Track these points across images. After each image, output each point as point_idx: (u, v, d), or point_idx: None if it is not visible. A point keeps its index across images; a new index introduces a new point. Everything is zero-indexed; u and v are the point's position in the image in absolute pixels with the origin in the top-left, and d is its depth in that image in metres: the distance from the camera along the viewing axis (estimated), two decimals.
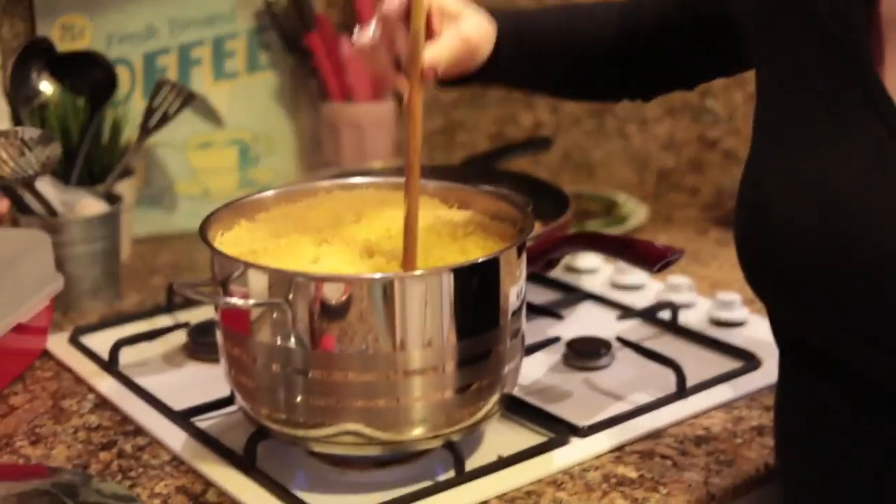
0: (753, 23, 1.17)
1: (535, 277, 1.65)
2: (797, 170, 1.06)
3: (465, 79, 1.29)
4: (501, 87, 1.42)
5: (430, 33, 1.18)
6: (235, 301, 1.13)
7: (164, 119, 1.81)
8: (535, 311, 1.55)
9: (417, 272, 1.14)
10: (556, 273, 1.71)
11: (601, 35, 1.37)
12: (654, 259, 1.39)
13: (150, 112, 1.82)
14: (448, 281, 1.13)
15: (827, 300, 1.04)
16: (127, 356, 1.48)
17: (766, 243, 1.08)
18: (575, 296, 1.67)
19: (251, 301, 1.12)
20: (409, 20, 1.15)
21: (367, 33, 1.20)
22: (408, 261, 1.17)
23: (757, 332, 1.56)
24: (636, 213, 2.01)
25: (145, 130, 1.82)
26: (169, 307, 1.64)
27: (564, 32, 1.36)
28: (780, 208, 1.06)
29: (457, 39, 1.20)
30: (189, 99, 1.83)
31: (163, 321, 1.60)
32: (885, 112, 1.01)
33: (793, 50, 1.10)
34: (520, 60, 1.32)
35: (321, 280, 1.11)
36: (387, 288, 1.11)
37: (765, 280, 1.12)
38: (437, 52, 1.17)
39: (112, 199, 1.72)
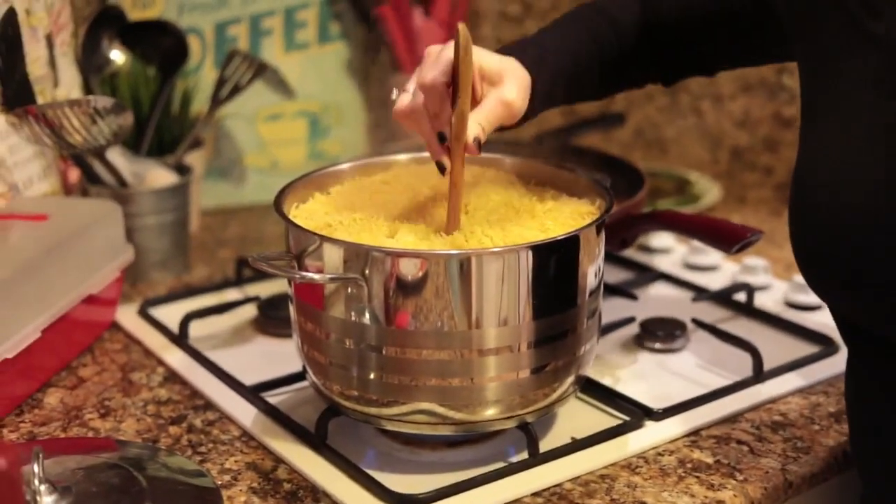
0: (790, 13, 1.17)
1: (609, 256, 1.62)
2: (841, 160, 1.06)
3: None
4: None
5: (473, 99, 1.15)
6: (312, 275, 1.11)
7: (236, 90, 1.80)
8: (609, 290, 1.53)
9: (495, 249, 1.12)
10: (629, 252, 1.69)
11: (624, 34, 1.35)
12: (732, 239, 1.37)
13: (221, 83, 1.80)
14: (526, 258, 1.11)
15: (885, 287, 1.02)
16: (196, 329, 1.47)
17: (821, 237, 1.07)
18: (648, 275, 1.65)
19: (327, 276, 1.11)
20: (452, 91, 1.13)
21: (405, 99, 1.17)
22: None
23: None
24: (709, 193, 1.98)
25: (216, 101, 1.80)
26: (238, 280, 1.63)
27: (591, 51, 1.33)
28: (828, 199, 1.06)
29: (499, 106, 1.17)
30: (261, 70, 1.81)
31: (232, 294, 1.59)
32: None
33: (827, 40, 1.10)
34: (554, 95, 1.29)
35: (398, 255, 1.09)
36: (464, 264, 1.09)
37: (823, 275, 1.10)
38: (481, 123, 1.14)
39: (182, 170, 1.71)
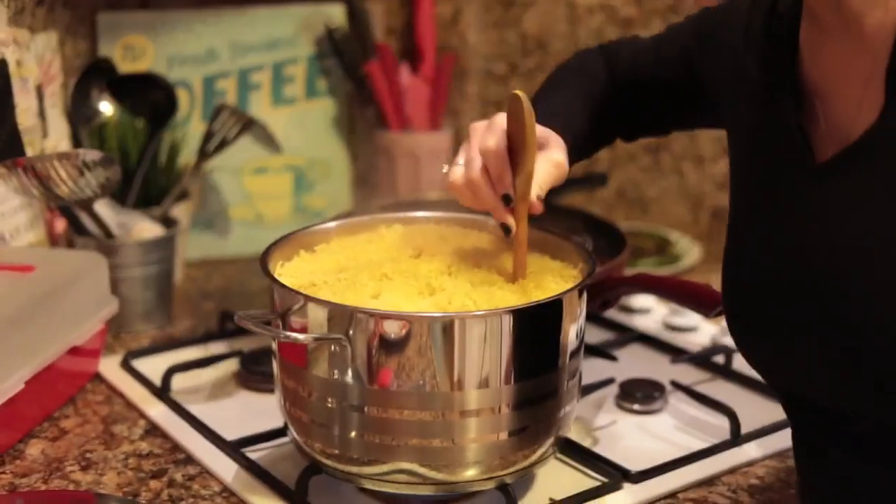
0: (716, 93, 1.26)
1: (589, 316, 1.63)
2: (765, 236, 1.12)
3: None
4: None
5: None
6: (296, 335, 1.12)
7: (223, 144, 1.82)
8: (589, 351, 1.54)
9: (478, 313, 1.13)
10: (609, 312, 1.70)
11: (601, 91, 1.41)
12: (711, 304, 1.38)
13: (208, 136, 1.82)
14: (508, 322, 1.12)
15: (815, 363, 1.07)
16: (178, 382, 1.48)
17: (748, 309, 1.14)
18: (628, 336, 1.67)
19: (311, 335, 1.12)
20: (513, 156, 1.17)
21: (459, 171, 1.20)
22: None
23: None
24: (689, 253, 1.99)
25: (203, 154, 1.82)
26: (221, 333, 1.64)
27: (589, 109, 1.39)
28: (751, 275, 1.13)
29: (552, 167, 1.21)
30: (248, 125, 1.83)
31: (215, 348, 1.60)
32: (808, 165, 1.07)
33: (745, 119, 1.18)
34: (580, 155, 1.36)
35: (382, 316, 1.10)
36: (447, 327, 1.10)
37: (754, 348, 1.16)
38: (540, 185, 1.18)
39: (168, 222, 1.72)
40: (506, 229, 1.19)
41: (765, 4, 1.17)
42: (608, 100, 1.40)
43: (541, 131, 1.21)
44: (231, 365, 1.54)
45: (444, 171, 1.24)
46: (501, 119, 1.19)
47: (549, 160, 1.21)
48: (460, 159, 1.21)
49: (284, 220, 2.02)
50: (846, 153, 1.03)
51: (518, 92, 1.14)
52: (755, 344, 1.16)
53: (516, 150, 1.17)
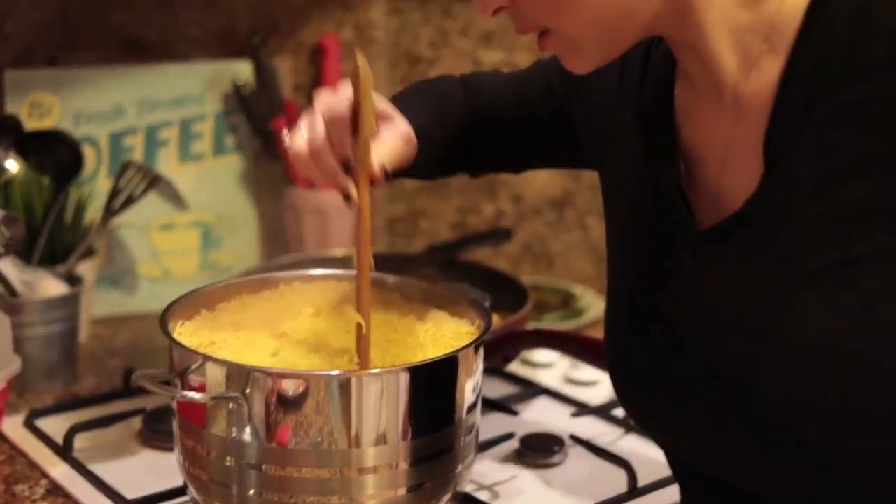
0: (588, 139, 1.27)
1: (492, 371, 1.65)
2: (643, 300, 1.13)
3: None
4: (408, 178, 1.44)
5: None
6: (193, 395, 1.13)
7: (129, 201, 1.82)
8: (490, 406, 1.56)
9: (374, 371, 1.15)
10: (513, 367, 1.72)
11: (451, 115, 1.39)
12: None
13: (114, 193, 1.83)
14: (404, 379, 1.14)
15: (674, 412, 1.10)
16: (82, 441, 1.48)
17: (628, 373, 1.17)
18: (530, 390, 1.68)
19: (208, 395, 1.13)
20: (353, 123, 1.15)
21: (302, 138, 1.19)
22: (363, 362, 1.18)
23: None
24: (593, 307, 2.02)
25: (109, 211, 1.82)
26: (125, 391, 1.63)
27: (448, 124, 1.37)
28: (629, 339, 1.16)
29: (399, 138, 1.21)
30: (154, 182, 1.84)
31: (119, 406, 1.60)
32: (686, 234, 1.08)
33: (616, 175, 1.20)
34: (431, 155, 1.32)
35: (279, 376, 1.12)
36: (343, 385, 1.12)
37: (636, 407, 1.19)
38: (384, 153, 1.17)
39: (73, 280, 1.72)
40: (346, 198, 1.17)
41: (637, 54, 1.17)
42: (462, 129, 1.38)
43: (385, 104, 1.22)
44: (134, 423, 1.54)
45: (286, 140, 1.21)
46: (347, 85, 1.16)
47: (395, 131, 1.21)
48: (303, 127, 1.19)
49: (192, 276, 2.03)
50: (728, 222, 1.04)
51: (358, 52, 1.13)
52: (636, 404, 1.18)
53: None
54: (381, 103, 1.22)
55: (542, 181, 2.15)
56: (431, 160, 1.33)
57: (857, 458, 0.98)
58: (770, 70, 1.01)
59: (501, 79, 1.42)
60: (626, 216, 1.18)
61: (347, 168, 1.17)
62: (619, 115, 1.19)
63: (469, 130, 1.39)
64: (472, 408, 1.22)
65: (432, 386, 1.17)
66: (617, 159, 1.20)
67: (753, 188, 1.02)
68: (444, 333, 1.25)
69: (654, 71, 1.15)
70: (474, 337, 1.22)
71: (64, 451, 1.46)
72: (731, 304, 1.03)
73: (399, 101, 1.30)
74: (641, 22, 1.03)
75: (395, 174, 1.24)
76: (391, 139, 1.20)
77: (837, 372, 0.96)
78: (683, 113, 1.11)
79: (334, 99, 1.17)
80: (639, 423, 1.20)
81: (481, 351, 1.23)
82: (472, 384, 1.21)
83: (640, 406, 1.17)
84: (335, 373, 1.13)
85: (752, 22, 1.01)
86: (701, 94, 1.08)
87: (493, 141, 1.41)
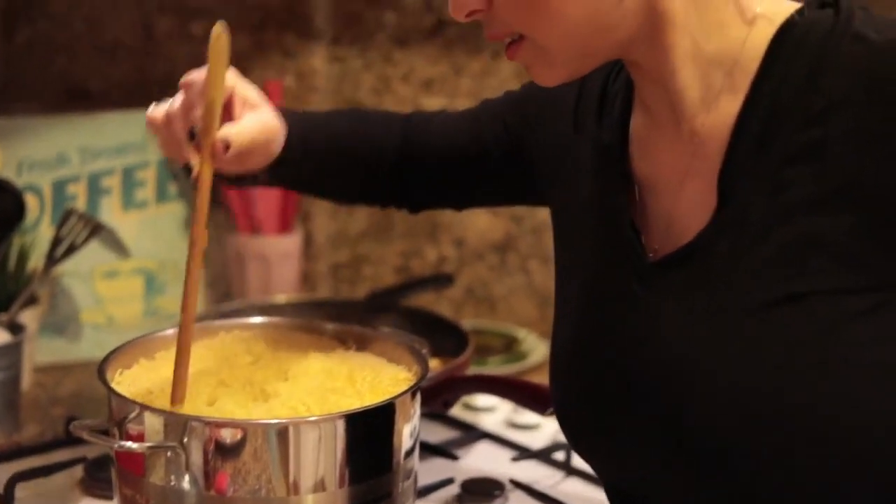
0: (540, 171, 1.29)
1: (434, 416, 1.67)
2: (592, 334, 1.15)
3: (253, 178, 1.31)
4: (287, 189, 1.45)
5: (229, 118, 1.20)
6: (130, 445, 1.14)
7: (71, 249, 1.83)
8: (431, 450, 1.57)
9: (312, 418, 1.16)
10: (455, 410, 1.73)
11: (383, 145, 1.41)
12: (545, 402, 1.42)
13: (57, 241, 1.83)
14: (342, 427, 1.15)
15: (612, 440, 1.12)
16: (23, 490, 1.47)
17: (574, 410, 1.19)
18: (472, 434, 1.69)
19: (146, 444, 1.14)
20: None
21: (162, 106, 1.21)
22: (176, 394, 1.18)
23: None
24: (536, 350, 2.04)
25: (52, 259, 1.83)
26: (68, 440, 1.63)
27: (347, 138, 1.40)
28: (575, 374, 1.18)
29: (257, 124, 1.21)
30: (96, 230, 1.84)
31: (61, 454, 1.59)
32: (636, 264, 1.10)
33: (569, 205, 1.22)
34: (305, 163, 1.33)
35: (216, 425, 1.13)
36: (281, 433, 1.13)
37: (581, 444, 1.21)
38: (233, 130, 1.17)
39: (15, 328, 1.72)
40: (187, 169, 1.18)
41: (596, 88, 1.20)
42: (390, 159, 1.41)
43: (257, 96, 1.24)
44: (76, 472, 1.53)
45: (149, 110, 1.22)
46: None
47: (255, 116, 1.22)
48: (167, 99, 1.21)
49: (136, 323, 2.03)
50: (678, 253, 1.06)
51: (218, 23, 1.15)
52: (582, 441, 1.20)
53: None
54: (251, 92, 1.23)
55: (483, 225, 2.17)
56: (309, 168, 1.34)
57: (785, 496, 1.00)
58: (729, 106, 1.03)
59: (448, 115, 1.45)
60: (577, 244, 1.20)
61: (190, 134, 1.18)
62: (573, 145, 1.22)
63: (404, 163, 1.41)
64: (409, 453, 1.23)
65: (370, 433, 1.18)
66: (570, 188, 1.21)
67: (706, 220, 1.04)
68: (381, 380, 1.26)
69: (611, 101, 1.17)
70: (412, 383, 1.23)
71: (5, 500, 1.46)
72: (673, 336, 1.05)
73: (301, 110, 1.35)
74: (616, 39, 1.04)
75: (264, 170, 1.28)
76: (248, 122, 1.20)
77: (765, 412, 0.98)
78: (639, 143, 1.13)
79: (197, 70, 1.19)
80: (580, 452, 1.22)
81: (418, 397, 1.24)
82: (409, 429, 1.22)
83: (580, 435, 1.19)
84: (273, 421, 1.14)
85: (718, 55, 1.04)
86: (659, 124, 1.10)
87: (433, 175, 1.42)
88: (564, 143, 1.23)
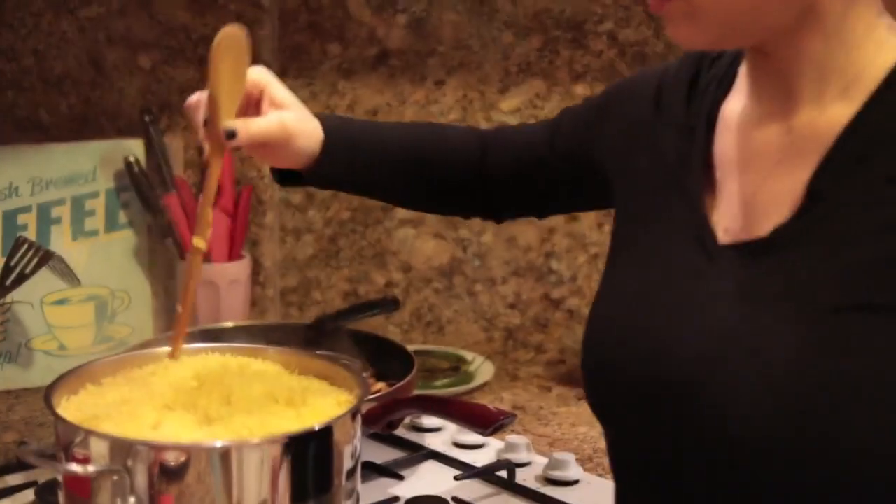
0: (612, 160, 1.32)
1: (380, 436, 1.70)
2: (628, 285, 1.19)
3: (298, 176, 1.42)
4: (337, 190, 1.53)
5: (257, 114, 1.34)
6: (74, 469, 1.16)
7: (22, 278, 1.86)
8: (376, 470, 1.61)
9: (254, 441, 1.18)
10: (401, 430, 1.77)
11: (461, 159, 1.49)
12: (487, 422, 1.46)
13: (7, 270, 1.86)
14: (284, 448, 1.18)
15: (648, 413, 1.13)
16: None
17: (604, 362, 1.19)
18: (418, 455, 1.73)
19: (91, 468, 1.16)
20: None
21: (197, 94, 1.32)
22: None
23: (590, 490, 1.62)
24: (482, 371, 2.08)
25: (2, 288, 1.85)
26: (19, 464, 1.65)
27: (418, 150, 1.48)
28: (615, 329, 1.18)
29: (274, 121, 1.33)
30: (46, 258, 1.87)
31: (13, 479, 1.62)
32: (706, 242, 1.12)
33: (641, 185, 1.24)
34: (350, 164, 1.43)
35: (159, 448, 1.15)
36: (224, 456, 1.15)
37: (597, 395, 1.22)
38: (241, 123, 1.30)
39: None
40: (199, 149, 1.31)
41: (685, 75, 1.23)
42: (468, 173, 1.48)
43: (288, 98, 1.36)
44: (27, 496, 1.56)
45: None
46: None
47: (278, 115, 1.33)
48: None
49: (87, 349, 2.06)
50: (752, 244, 1.09)
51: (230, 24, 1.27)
52: (612, 409, 1.21)
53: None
54: (282, 94, 1.35)
55: (430, 250, 2.21)
56: (365, 173, 1.45)
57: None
58: (838, 114, 1.07)
59: (527, 128, 1.51)
60: (644, 220, 1.22)
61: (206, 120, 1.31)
62: (652, 129, 1.25)
63: (484, 177, 1.49)
64: (351, 473, 1.26)
65: (311, 454, 1.20)
66: (642, 168, 1.25)
67: (786, 214, 1.07)
68: (323, 403, 1.29)
69: (704, 87, 1.21)
70: (352, 405, 1.26)
71: None
72: (733, 318, 1.07)
73: (364, 120, 1.52)
74: (764, 24, 1.07)
75: (309, 171, 1.39)
76: (264, 118, 1.33)
77: (814, 411, 1.00)
78: (730, 127, 1.17)
79: None
80: (606, 420, 1.23)
81: (359, 418, 1.27)
82: (350, 450, 1.25)
83: (612, 405, 1.20)
84: (216, 444, 1.17)
85: (845, 67, 1.07)
86: (763, 114, 1.13)
87: (513, 187, 1.49)
88: (641, 128, 1.27)
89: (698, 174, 1.17)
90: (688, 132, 1.20)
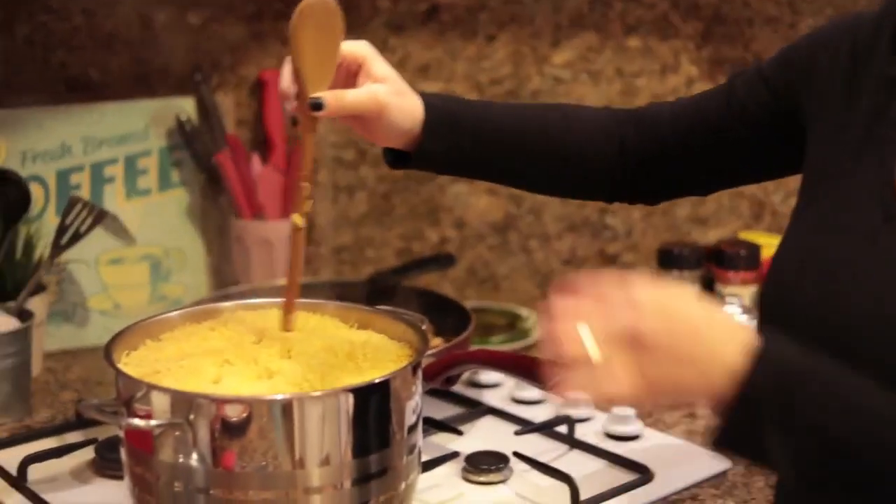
0: (809, 115, 1.27)
1: (438, 392, 1.69)
2: (806, 240, 1.17)
3: (406, 158, 1.39)
4: (455, 174, 1.52)
5: (352, 86, 1.32)
6: (137, 422, 1.16)
7: (76, 237, 1.85)
8: (436, 426, 1.60)
9: (315, 394, 1.18)
10: (459, 387, 1.76)
11: (593, 141, 1.44)
12: (546, 377, 1.44)
13: (62, 230, 1.86)
14: (345, 401, 1.18)
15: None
16: (36, 472, 1.50)
17: (776, 308, 1.17)
18: (476, 410, 1.72)
19: (153, 422, 1.16)
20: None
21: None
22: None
23: (651, 445, 1.61)
24: (538, 328, 2.06)
25: (57, 247, 1.85)
26: (79, 422, 1.66)
27: (529, 130, 1.43)
28: (786, 275, 1.17)
29: (364, 94, 1.31)
30: (100, 217, 1.87)
31: (73, 437, 1.62)
32: (886, 199, 1.11)
33: (834, 140, 1.21)
34: (456, 144, 1.38)
35: (221, 401, 1.15)
36: (285, 408, 1.15)
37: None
38: (329, 94, 1.28)
39: (24, 315, 1.75)
40: (293, 121, 1.32)
41: (887, 24, 1.19)
42: (613, 157, 1.43)
43: (387, 72, 1.33)
44: (87, 453, 1.56)
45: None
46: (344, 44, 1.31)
47: (369, 89, 1.31)
48: None
49: (143, 308, 2.05)
50: None
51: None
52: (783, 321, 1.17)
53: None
54: (380, 69, 1.33)
55: (484, 206, 2.19)
56: (478, 157, 1.41)
57: None
58: None
59: (686, 102, 1.45)
60: (832, 174, 1.19)
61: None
62: (852, 80, 1.21)
63: (633, 160, 1.43)
64: (412, 428, 1.25)
65: (372, 407, 1.21)
66: (839, 120, 1.21)
67: None
68: (383, 356, 1.29)
69: None
70: (411, 359, 1.26)
71: (18, 481, 1.49)
72: None
73: (477, 100, 1.50)
74: None
75: (416, 153, 1.37)
76: (355, 90, 1.31)
77: None
78: None
79: None
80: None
81: (420, 372, 1.26)
82: (411, 404, 1.24)
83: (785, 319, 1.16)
84: (277, 397, 1.17)
85: None
86: None
87: (673, 166, 1.43)
88: (838, 81, 1.23)
89: (891, 130, 1.14)
90: (890, 84, 1.17)
